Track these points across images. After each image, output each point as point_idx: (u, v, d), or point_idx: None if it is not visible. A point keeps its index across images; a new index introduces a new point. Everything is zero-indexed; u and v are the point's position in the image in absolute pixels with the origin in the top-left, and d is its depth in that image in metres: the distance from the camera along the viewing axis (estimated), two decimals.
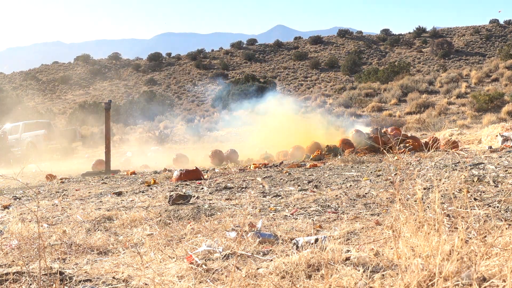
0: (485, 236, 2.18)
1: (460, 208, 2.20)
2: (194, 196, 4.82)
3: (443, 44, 63.01)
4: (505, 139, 9.25)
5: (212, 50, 79.51)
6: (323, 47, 72.62)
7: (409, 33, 74.21)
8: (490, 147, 8.50)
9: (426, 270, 1.84)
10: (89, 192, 6.08)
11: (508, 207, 3.37)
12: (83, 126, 29.97)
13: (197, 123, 30.93)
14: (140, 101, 43.98)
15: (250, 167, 8.40)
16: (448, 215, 2.98)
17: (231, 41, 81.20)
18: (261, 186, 5.43)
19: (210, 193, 5.12)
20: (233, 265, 2.36)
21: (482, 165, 5.36)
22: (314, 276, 2.17)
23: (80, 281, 2.43)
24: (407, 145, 8.61)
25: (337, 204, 4.06)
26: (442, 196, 3.27)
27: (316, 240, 2.73)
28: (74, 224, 3.87)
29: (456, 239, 1.91)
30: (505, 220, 2.97)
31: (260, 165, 8.65)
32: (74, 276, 2.51)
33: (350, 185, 4.95)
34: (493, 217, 3.06)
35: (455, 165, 5.50)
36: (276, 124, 13.03)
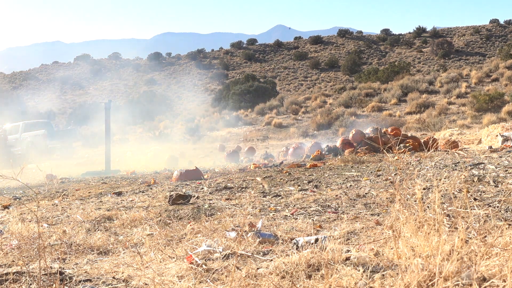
0: (485, 236, 2.18)
1: (460, 208, 2.20)
2: (194, 196, 4.82)
3: (443, 44, 63.02)
4: (505, 139, 9.24)
5: (212, 50, 79.53)
6: (323, 47, 72.62)
7: (409, 33, 74.21)
8: (490, 147, 8.49)
9: (426, 270, 1.84)
10: (89, 192, 6.08)
11: (508, 207, 3.37)
12: (83, 126, 29.96)
13: (197, 123, 30.93)
14: (140, 101, 44.00)
15: (250, 167, 8.40)
16: (448, 215, 2.98)
17: (231, 41, 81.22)
18: (261, 186, 5.43)
19: (210, 193, 5.12)
20: (233, 265, 2.36)
21: (482, 165, 5.36)
22: (314, 276, 2.17)
23: (80, 281, 2.43)
24: (407, 145, 8.61)
25: (337, 204, 4.06)
26: (442, 196, 3.27)
27: (316, 240, 2.73)
28: (74, 224, 3.87)
29: (456, 239, 1.91)
30: (505, 220, 2.97)
31: (260, 165, 8.65)
32: (74, 276, 2.51)
33: (350, 185, 4.94)
34: (493, 217, 3.06)
35: (455, 165, 5.50)
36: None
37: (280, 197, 4.60)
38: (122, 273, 2.55)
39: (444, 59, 60.49)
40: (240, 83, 39.66)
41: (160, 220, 3.80)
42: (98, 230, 3.69)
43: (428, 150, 7.40)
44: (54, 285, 2.24)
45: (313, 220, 3.50)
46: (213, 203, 4.48)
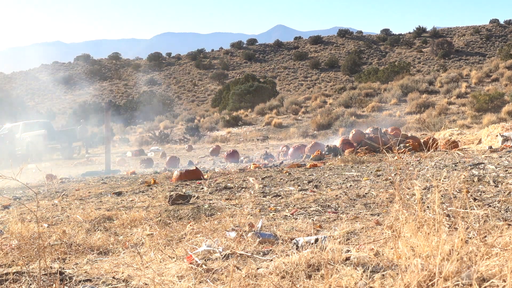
0: (485, 236, 2.18)
1: (460, 208, 2.20)
2: (194, 196, 4.82)
3: (443, 44, 63.04)
4: (505, 139, 9.24)
5: (212, 50, 79.60)
6: (323, 47, 72.65)
7: (409, 33, 74.28)
8: (490, 147, 8.49)
9: (426, 270, 1.84)
10: (89, 192, 6.08)
11: (508, 207, 3.37)
12: (79, 126, 29.93)
13: (197, 123, 30.94)
14: (140, 101, 44.03)
15: (250, 167, 8.40)
16: (448, 215, 2.98)
17: (231, 41, 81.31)
18: (261, 186, 5.43)
19: (210, 193, 5.12)
20: (233, 265, 2.36)
21: (482, 165, 5.36)
22: (314, 276, 2.17)
23: (80, 281, 2.43)
24: (407, 145, 8.61)
25: (337, 204, 4.06)
26: (442, 196, 3.27)
27: (316, 240, 2.73)
28: (74, 224, 3.87)
29: (456, 239, 1.91)
30: (505, 220, 2.97)
31: (260, 165, 8.65)
32: (74, 276, 2.51)
33: (350, 185, 4.94)
34: (493, 217, 3.06)
35: (455, 165, 5.50)
36: None
37: (280, 197, 4.60)
38: (122, 273, 2.55)
39: (444, 59, 60.51)
40: (240, 83, 39.67)
41: (160, 220, 3.80)
42: (98, 230, 3.69)
43: (428, 150, 7.40)
44: (54, 285, 2.25)
45: (313, 220, 3.50)
46: (213, 203, 4.48)
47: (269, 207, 4.15)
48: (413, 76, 32.25)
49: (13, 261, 2.81)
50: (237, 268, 2.37)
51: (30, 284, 2.33)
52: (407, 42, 69.19)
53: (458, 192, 3.67)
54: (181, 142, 24.42)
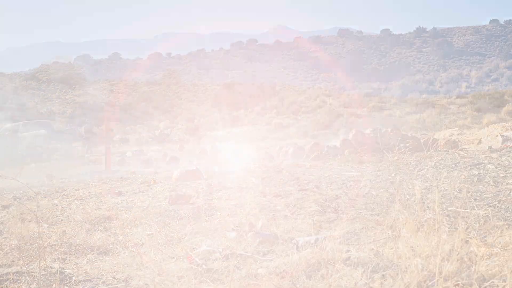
0: (485, 236, 2.18)
1: (460, 208, 2.20)
2: (194, 196, 4.82)
3: (443, 44, 63.02)
4: (505, 139, 9.23)
5: (212, 50, 79.63)
6: (323, 47, 72.64)
7: (409, 33, 74.26)
8: (490, 147, 8.48)
9: (426, 270, 1.84)
10: (89, 192, 6.08)
11: (508, 207, 3.37)
12: (83, 126, 29.91)
13: (197, 123, 30.92)
14: (140, 101, 44.02)
15: (250, 167, 8.39)
16: (448, 215, 2.98)
17: (231, 41, 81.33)
18: (261, 186, 5.42)
19: (210, 193, 5.12)
20: (233, 265, 2.36)
21: (482, 165, 5.36)
22: (314, 276, 2.17)
23: (80, 281, 2.43)
24: (407, 145, 8.60)
25: (337, 204, 4.06)
26: (442, 196, 3.27)
27: (316, 240, 2.73)
28: (74, 224, 3.86)
29: (456, 239, 1.91)
30: (505, 220, 2.97)
31: (260, 165, 8.64)
32: (74, 275, 2.51)
33: (350, 185, 4.94)
34: (493, 217, 3.06)
35: (455, 165, 5.50)
36: None
37: (280, 197, 4.59)
38: (122, 273, 2.55)
39: (444, 59, 60.49)
40: (239, 83, 39.66)
41: (160, 220, 3.80)
42: (98, 230, 3.68)
43: (428, 150, 7.39)
44: (54, 285, 2.25)
45: (313, 220, 3.50)
46: (213, 203, 4.48)
47: (269, 207, 4.15)
48: (413, 76, 32.25)
49: (13, 261, 2.80)
50: (237, 268, 2.37)
51: (30, 284, 2.33)
52: (407, 42, 69.19)
53: (458, 192, 3.67)
54: (181, 142, 24.41)
